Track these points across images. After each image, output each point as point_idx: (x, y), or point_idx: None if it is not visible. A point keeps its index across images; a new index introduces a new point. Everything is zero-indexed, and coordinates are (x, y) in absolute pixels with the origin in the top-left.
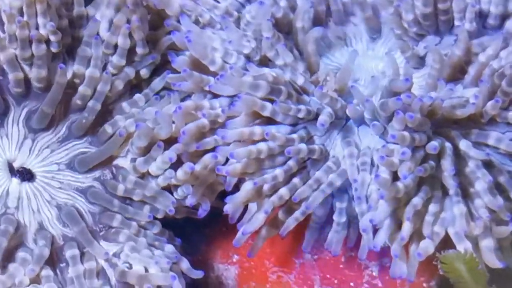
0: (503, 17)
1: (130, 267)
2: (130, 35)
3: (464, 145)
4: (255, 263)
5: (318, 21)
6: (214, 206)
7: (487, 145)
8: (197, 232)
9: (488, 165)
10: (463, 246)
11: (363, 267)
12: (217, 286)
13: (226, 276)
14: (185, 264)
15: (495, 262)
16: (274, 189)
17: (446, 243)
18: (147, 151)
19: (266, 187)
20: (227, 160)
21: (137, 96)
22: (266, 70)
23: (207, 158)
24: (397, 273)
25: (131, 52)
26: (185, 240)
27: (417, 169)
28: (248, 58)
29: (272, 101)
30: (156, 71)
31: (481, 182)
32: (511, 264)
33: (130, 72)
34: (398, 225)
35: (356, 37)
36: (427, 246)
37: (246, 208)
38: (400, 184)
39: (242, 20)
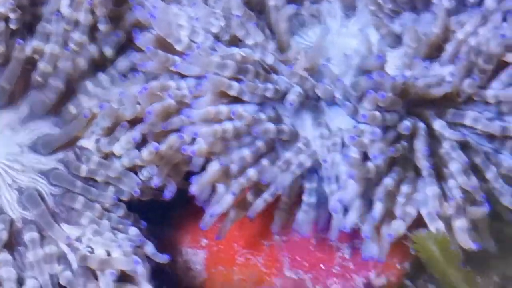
0: None
1: (92, 251)
2: (93, 11)
3: (438, 125)
4: (224, 246)
5: None
6: (181, 188)
7: (464, 125)
8: (165, 215)
9: (464, 146)
10: (436, 226)
11: (335, 249)
12: (184, 271)
13: (194, 261)
14: (150, 248)
15: (468, 243)
16: (242, 170)
17: (419, 224)
18: (111, 131)
19: (233, 167)
20: (194, 140)
21: (101, 75)
22: (235, 50)
23: (173, 138)
24: (368, 254)
25: (94, 29)
26: (152, 223)
27: (389, 149)
28: (216, 37)
29: (239, 81)
30: (121, 50)
31: (455, 163)
32: (488, 245)
33: (93, 50)
34: (369, 206)
35: (330, 15)
36: (398, 227)
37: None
38: (370, 164)
39: None
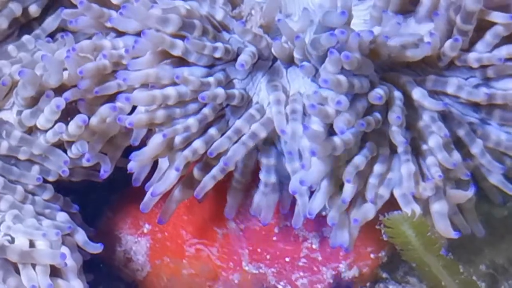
0: None
1: (12, 241)
2: None
3: (418, 94)
4: (170, 233)
5: None
6: (121, 166)
7: (446, 94)
8: (101, 196)
9: (446, 117)
10: (411, 208)
11: (301, 239)
12: (124, 263)
13: (135, 251)
14: (80, 236)
15: (448, 231)
16: (187, 142)
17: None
18: (35, 102)
19: (177, 139)
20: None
21: (25, 37)
22: (178, 2)
23: (104, 109)
24: (337, 242)
25: None
26: (86, 207)
27: (359, 122)
28: None
29: (184, 38)
30: (49, 9)
31: (435, 137)
32: (476, 230)
33: (15, 7)
34: (339, 187)
35: None
36: (366, 211)
37: (155, 166)
38: (337, 140)
39: None
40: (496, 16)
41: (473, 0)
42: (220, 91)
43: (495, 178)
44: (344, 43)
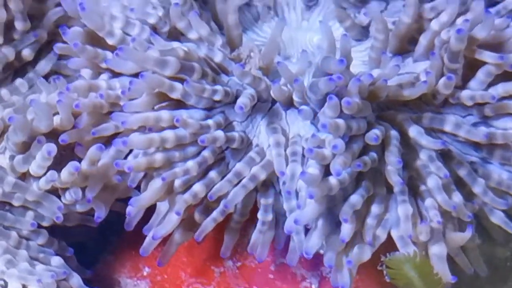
0: None
1: (5, 285)
2: (7, 6)
3: (414, 132)
4: (169, 275)
5: None
6: (119, 210)
7: (444, 132)
8: (100, 239)
9: (445, 156)
10: (409, 250)
11: (299, 278)
12: None
13: None
14: (75, 280)
15: (446, 275)
16: (187, 185)
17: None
18: (27, 147)
19: (177, 183)
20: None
21: (18, 81)
22: (176, 44)
23: (92, 151)
24: (338, 284)
25: (9, 28)
26: (84, 250)
27: (355, 163)
28: (154, 29)
29: (183, 81)
30: (42, 52)
31: (434, 178)
32: (479, 270)
33: (8, 52)
34: (335, 226)
35: (289, 5)
36: (361, 253)
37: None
38: (333, 180)
39: None
40: (487, 56)
41: (456, 40)
42: (220, 134)
43: (497, 217)
44: (343, 87)
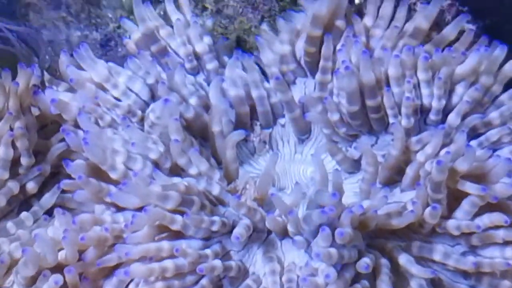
0: (446, 112)
1: None
2: (14, 144)
3: (404, 260)
4: None
5: (241, 124)
6: None
7: (433, 261)
8: None
9: (435, 284)
10: None
11: None
12: None
13: None
14: None
15: None
16: None
17: None
18: (34, 281)
19: None
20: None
21: (24, 214)
22: (176, 179)
23: None
24: None
25: (15, 163)
26: None
27: None
28: (156, 164)
29: (182, 213)
30: (47, 185)
31: None
32: None
33: (13, 186)
34: None
35: (283, 140)
36: None
37: None
38: None
39: (146, 121)
40: (469, 187)
41: (437, 171)
42: (218, 263)
43: None
44: (335, 218)
